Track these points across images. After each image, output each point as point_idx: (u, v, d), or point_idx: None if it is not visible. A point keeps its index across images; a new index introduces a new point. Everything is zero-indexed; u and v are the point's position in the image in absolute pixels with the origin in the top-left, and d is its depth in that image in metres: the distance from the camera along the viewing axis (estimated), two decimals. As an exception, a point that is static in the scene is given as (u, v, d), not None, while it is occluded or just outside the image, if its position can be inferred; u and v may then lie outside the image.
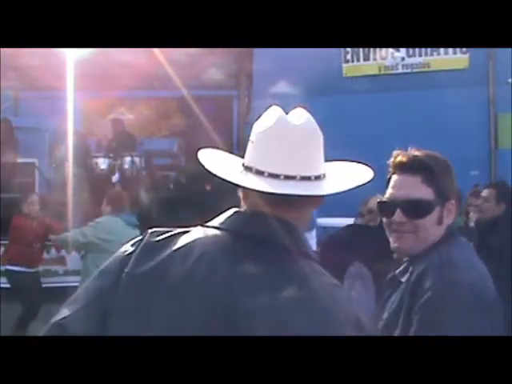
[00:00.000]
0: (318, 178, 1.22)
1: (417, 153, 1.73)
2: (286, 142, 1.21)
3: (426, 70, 11.63)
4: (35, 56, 8.47)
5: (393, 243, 1.73)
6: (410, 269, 1.69)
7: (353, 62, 12.11)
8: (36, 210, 6.42)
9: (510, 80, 11.07)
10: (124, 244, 1.26)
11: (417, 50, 11.60)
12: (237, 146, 9.56)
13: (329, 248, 7.61)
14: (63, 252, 7.86)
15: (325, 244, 7.76)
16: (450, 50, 11.47)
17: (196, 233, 1.23)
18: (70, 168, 7.90)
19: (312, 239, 7.71)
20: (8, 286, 6.61)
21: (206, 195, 8.53)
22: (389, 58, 11.83)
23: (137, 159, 9.04)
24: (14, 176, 8.64)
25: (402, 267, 1.75)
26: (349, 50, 11.93)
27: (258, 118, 1.28)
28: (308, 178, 1.21)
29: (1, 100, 9.04)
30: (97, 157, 9.10)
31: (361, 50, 11.92)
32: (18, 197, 6.96)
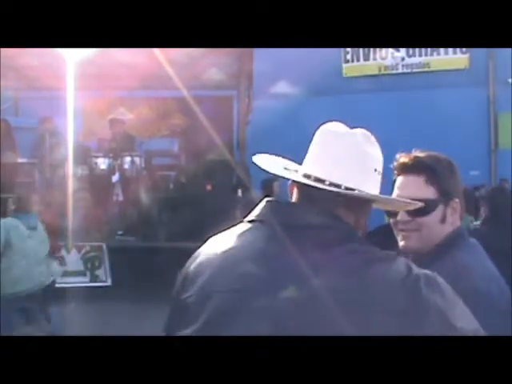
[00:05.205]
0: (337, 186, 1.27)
1: (419, 154, 1.79)
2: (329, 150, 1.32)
3: (425, 70, 11.64)
4: (35, 56, 8.46)
5: (399, 242, 1.79)
6: None
7: (353, 62, 12.12)
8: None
9: (510, 80, 11.08)
10: None
11: (417, 49, 11.61)
12: (237, 146, 9.56)
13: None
14: (63, 252, 7.85)
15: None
16: (450, 49, 11.48)
17: (243, 230, 1.25)
18: (69, 168, 7.90)
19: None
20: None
21: (205, 195, 8.53)
22: (389, 57, 11.84)
23: (137, 159, 9.02)
24: (14, 176, 8.64)
25: None
26: (349, 50, 11.94)
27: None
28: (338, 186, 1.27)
29: (1, 100, 9.03)
30: (97, 157, 9.08)
31: (361, 49, 11.92)
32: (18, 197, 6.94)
